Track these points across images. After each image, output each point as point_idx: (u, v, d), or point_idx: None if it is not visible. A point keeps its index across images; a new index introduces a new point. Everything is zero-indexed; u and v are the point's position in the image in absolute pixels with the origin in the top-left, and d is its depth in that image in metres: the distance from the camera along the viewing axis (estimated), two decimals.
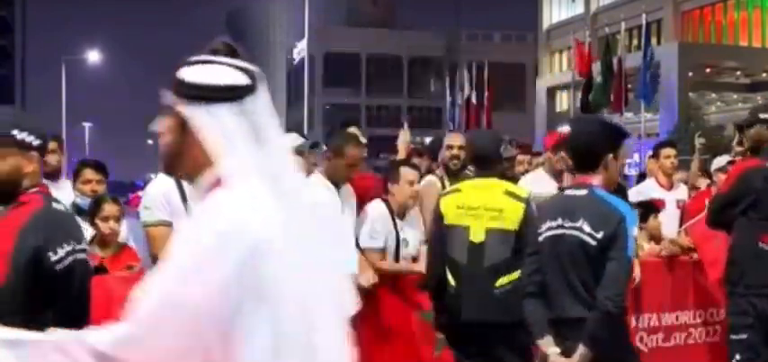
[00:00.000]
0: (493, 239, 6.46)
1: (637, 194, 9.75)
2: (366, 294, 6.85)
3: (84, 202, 6.75)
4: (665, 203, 9.63)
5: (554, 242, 5.24)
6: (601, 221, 5.08)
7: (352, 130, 8.21)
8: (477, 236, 6.48)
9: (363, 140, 7.79)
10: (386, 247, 7.28)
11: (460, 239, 6.53)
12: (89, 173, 7.26)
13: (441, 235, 6.66)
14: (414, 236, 7.50)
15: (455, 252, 6.55)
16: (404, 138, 8.98)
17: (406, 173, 7.36)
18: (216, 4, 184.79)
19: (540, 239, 5.35)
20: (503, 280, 6.42)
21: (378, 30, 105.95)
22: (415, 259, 7.50)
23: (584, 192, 5.22)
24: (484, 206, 6.53)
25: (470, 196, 6.62)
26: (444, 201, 6.72)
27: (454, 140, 8.36)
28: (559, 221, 5.23)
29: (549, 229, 5.28)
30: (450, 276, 6.55)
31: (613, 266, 5.02)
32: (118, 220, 6.12)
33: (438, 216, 6.69)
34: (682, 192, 9.93)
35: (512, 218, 6.48)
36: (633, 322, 8.43)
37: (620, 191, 8.78)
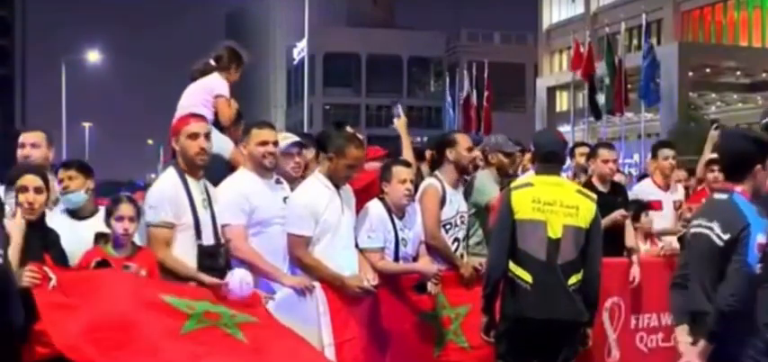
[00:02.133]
0: (568, 235, 6.55)
1: (633, 195, 9.72)
2: (366, 294, 6.83)
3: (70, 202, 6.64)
4: (662, 205, 9.64)
5: (695, 240, 5.61)
6: (729, 225, 5.42)
7: (349, 130, 8.21)
8: (554, 232, 6.53)
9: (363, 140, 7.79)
10: (385, 247, 7.23)
11: (537, 234, 6.55)
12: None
13: (510, 229, 6.62)
14: (413, 236, 7.45)
15: (530, 247, 6.55)
16: (401, 123, 8.82)
17: (399, 171, 7.30)
18: (216, 5, 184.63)
19: (688, 236, 5.81)
20: (573, 278, 6.55)
21: (378, 30, 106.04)
22: (414, 259, 7.46)
23: (724, 196, 5.60)
24: (560, 202, 6.59)
25: (544, 192, 6.63)
26: (516, 194, 6.68)
27: (468, 142, 8.29)
28: (700, 221, 5.60)
29: (693, 227, 5.69)
30: (522, 271, 6.55)
31: (732, 268, 5.33)
32: (133, 220, 6.06)
33: (507, 209, 6.65)
34: (679, 193, 9.91)
35: (585, 216, 6.63)
36: (633, 322, 8.52)
37: (619, 190, 9.08)
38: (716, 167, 8.70)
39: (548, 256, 6.51)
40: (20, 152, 7.03)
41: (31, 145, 7.00)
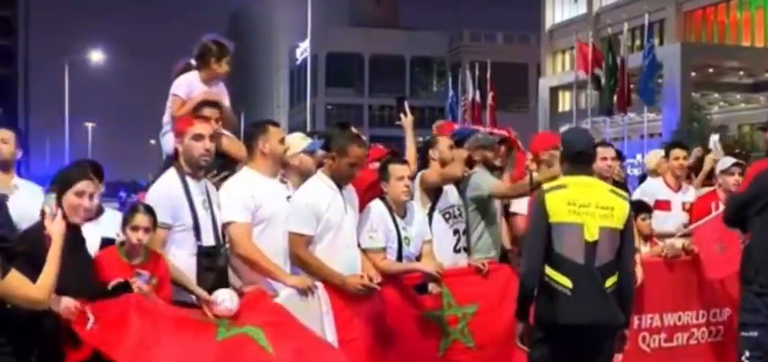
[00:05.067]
0: (604, 237, 6.35)
1: (642, 193, 9.74)
2: (368, 292, 6.83)
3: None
4: (671, 205, 9.62)
5: None
6: None
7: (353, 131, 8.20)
8: (591, 234, 6.32)
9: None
10: (386, 246, 7.25)
11: (574, 237, 6.33)
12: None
13: (545, 232, 6.39)
14: (415, 234, 7.46)
15: (568, 250, 6.32)
16: (407, 122, 8.83)
17: (396, 169, 7.33)
18: (219, 5, 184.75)
19: None
20: (610, 281, 6.38)
21: (380, 30, 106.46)
22: (418, 258, 7.45)
23: None
24: (595, 204, 6.39)
25: (579, 193, 6.42)
26: (551, 197, 6.41)
27: (449, 141, 8.46)
28: None
29: None
30: (560, 276, 6.30)
31: None
32: (147, 231, 6.02)
33: (542, 212, 6.40)
34: (690, 194, 9.81)
35: (620, 216, 6.45)
36: (635, 323, 8.40)
37: (620, 185, 8.82)
38: (737, 171, 8.81)
39: (586, 259, 6.29)
40: None
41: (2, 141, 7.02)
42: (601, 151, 8.64)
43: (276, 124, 7.14)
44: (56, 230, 5.44)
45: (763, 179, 7.01)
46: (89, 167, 6.52)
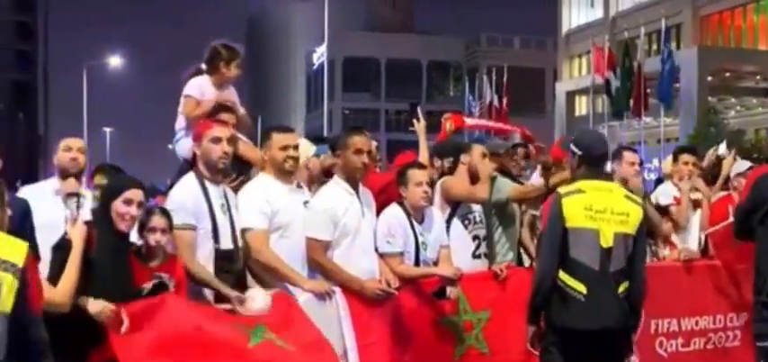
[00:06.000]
0: (619, 243, 6.37)
1: (654, 199, 9.67)
2: (386, 297, 6.86)
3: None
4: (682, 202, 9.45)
5: None
6: None
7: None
8: (606, 240, 6.32)
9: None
10: (404, 251, 7.24)
11: (590, 243, 6.33)
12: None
13: (561, 237, 6.36)
14: (433, 239, 7.45)
15: (583, 256, 6.32)
16: (420, 128, 8.87)
17: (414, 174, 7.31)
18: (237, 11, 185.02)
19: None
20: (622, 286, 6.40)
21: (397, 34, 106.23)
22: (435, 263, 7.44)
23: None
24: (610, 210, 6.39)
25: (596, 199, 6.41)
26: (567, 202, 6.39)
27: (483, 149, 8.39)
28: None
29: None
30: (574, 281, 6.30)
31: None
32: (164, 232, 6.06)
33: (558, 216, 6.38)
34: (697, 194, 9.66)
35: (634, 222, 6.46)
36: (652, 327, 8.38)
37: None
38: None
39: (601, 265, 6.29)
40: (66, 156, 7.43)
41: (78, 149, 7.40)
42: (627, 156, 8.73)
43: (285, 130, 7.10)
44: (76, 234, 5.56)
45: (762, 184, 6.87)
46: (106, 169, 6.70)
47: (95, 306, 5.44)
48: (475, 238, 8.06)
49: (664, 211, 9.22)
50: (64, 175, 7.49)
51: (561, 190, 6.58)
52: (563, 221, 6.35)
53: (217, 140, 6.54)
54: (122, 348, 5.45)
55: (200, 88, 7.67)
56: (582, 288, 6.27)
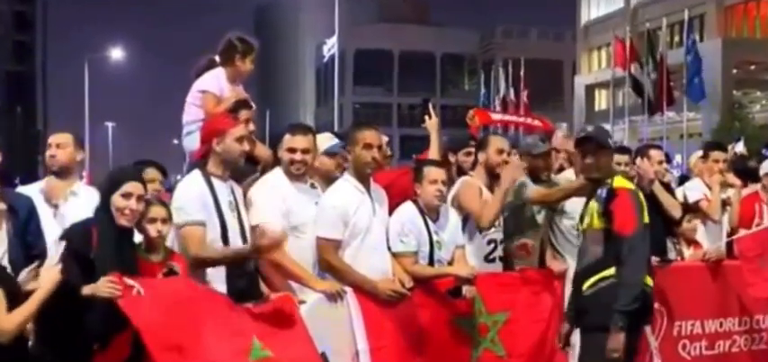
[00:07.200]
0: None
1: (688, 190, 9.58)
2: (399, 298, 6.79)
3: None
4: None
5: None
6: None
7: None
8: None
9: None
10: (418, 250, 7.14)
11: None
12: None
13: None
14: (448, 238, 7.31)
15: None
16: (432, 124, 8.72)
17: (430, 172, 7.22)
18: (242, 1, 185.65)
19: None
20: None
21: (410, 26, 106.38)
22: (449, 263, 7.31)
23: None
24: None
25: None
26: (641, 196, 6.69)
27: (503, 143, 8.08)
28: None
29: None
30: (649, 278, 6.53)
31: None
32: (165, 222, 6.04)
33: (643, 212, 6.55)
34: (727, 193, 9.54)
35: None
36: (675, 330, 8.49)
37: (667, 189, 9.12)
38: None
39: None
40: (47, 153, 7.29)
41: (57, 146, 7.21)
42: (655, 155, 8.96)
43: (297, 131, 6.99)
44: (47, 278, 5.40)
45: None
46: (148, 165, 7.32)
47: (88, 288, 5.39)
48: (490, 241, 7.86)
49: (692, 207, 9.17)
50: (48, 172, 7.42)
51: (629, 185, 6.73)
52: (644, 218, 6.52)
53: (241, 140, 6.55)
54: (132, 307, 5.38)
55: (218, 82, 7.61)
56: (650, 282, 6.52)
